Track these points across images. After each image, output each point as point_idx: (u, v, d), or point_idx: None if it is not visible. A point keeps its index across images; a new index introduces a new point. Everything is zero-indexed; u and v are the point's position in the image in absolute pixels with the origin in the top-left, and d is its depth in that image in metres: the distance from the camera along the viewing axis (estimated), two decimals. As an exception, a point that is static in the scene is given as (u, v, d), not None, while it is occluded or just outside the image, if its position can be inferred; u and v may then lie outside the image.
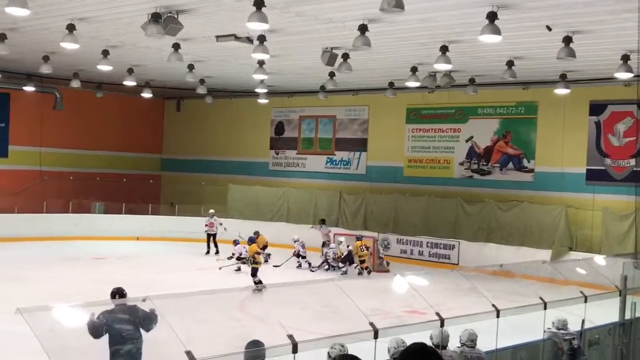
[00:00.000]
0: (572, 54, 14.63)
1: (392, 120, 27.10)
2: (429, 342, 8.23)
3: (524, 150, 23.97)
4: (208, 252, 25.09)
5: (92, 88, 28.45)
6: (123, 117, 32.66)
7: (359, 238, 22.50)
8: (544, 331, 10.19)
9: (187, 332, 6.35)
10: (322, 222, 25.48)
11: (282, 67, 21.85)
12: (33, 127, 30.07)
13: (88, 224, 27.76)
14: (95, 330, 8.09)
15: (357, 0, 13.25)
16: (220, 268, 21.41)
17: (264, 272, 19.78)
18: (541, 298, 9.92)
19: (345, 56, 17.63)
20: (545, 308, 9.88)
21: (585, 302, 10.56)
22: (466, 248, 23.79)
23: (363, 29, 14.25)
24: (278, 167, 30.97)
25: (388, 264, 23.26)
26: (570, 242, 22.15)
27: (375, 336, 7.66)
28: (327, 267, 22.51)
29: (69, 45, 16.58)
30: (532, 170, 23.74)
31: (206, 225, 25.57)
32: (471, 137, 25.17)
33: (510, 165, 24.22)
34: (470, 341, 8.81)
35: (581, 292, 10.75)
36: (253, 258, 19.36)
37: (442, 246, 24.45)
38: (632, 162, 21.51)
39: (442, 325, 8.41)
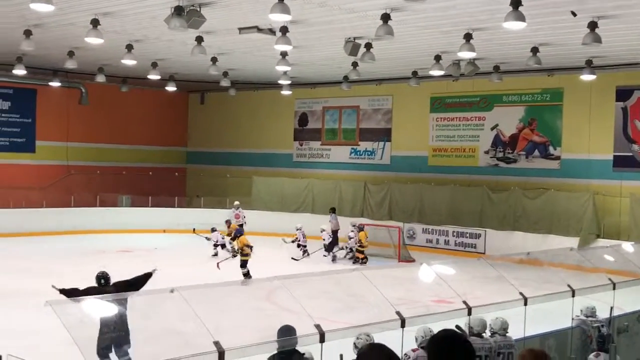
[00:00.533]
0: (597, 39, 14.45)
1: (416, 109, 27.00)
2: (465, 329, 8.20)
3: (550, 138, 23.76)
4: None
5: (117, 82, 28.63)
6: (148, 111, 32.88)
7: (361, 228, 22.62)
8: (573, 319, 10.12)
9: (215, 322, 6.39)
10: (333, 211, 25.56)
11: (305, 58, 21.84)
12: (59, 122, 30.39)
13: (115, 217, 28.02)
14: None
15: (379, -11, 13.22)
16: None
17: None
18: (569, 285, 9.85)
19: (368, 46, 17.57)
20: (573, 295, 9.80)
21: (614, 289, 10.45)
22: (492, 237, 23.69)
23: (386, 17, 14.16)
24: (302, 158, 31.00)
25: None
26: (597, 229, 21.97)
27: (402, 325, 7.66)
28: (350, 256, 22.79)
29: (93, 40, 16.68)
30: (558, 158, 23.54)
31: (232, 217, 25.71)
32: (496, 125, 25.00)
33: (536, 152, 24.03)
34: (503, 329, 8.76)
35: (609, 279, 10.65)
36: (242, 250, 19.32)
37: (468, 235, 24.37)
38: (660, 147, 21.29)
39: (469, 313, 8.38)
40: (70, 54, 21.14)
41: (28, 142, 29.89)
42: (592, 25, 14.34)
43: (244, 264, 19.07)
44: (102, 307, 7.33)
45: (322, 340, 6.92)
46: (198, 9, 14.31)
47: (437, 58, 19.65)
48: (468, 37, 16.05)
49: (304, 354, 7.16)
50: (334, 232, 23.70)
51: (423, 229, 25.50)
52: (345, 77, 24.51)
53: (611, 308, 10.49)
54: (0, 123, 29.08)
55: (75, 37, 18.54)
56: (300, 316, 7.15)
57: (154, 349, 6.55)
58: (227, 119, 33.16)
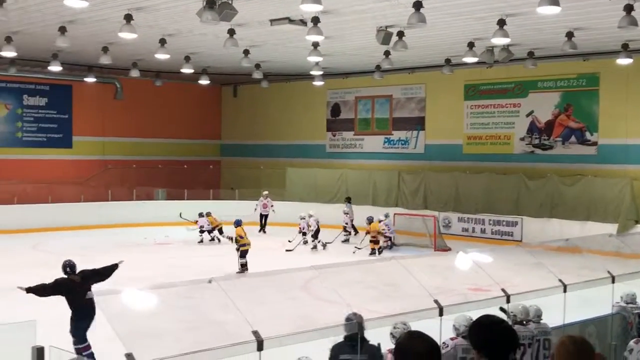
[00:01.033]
0: (633, 22, 14.19)
1: (450, 97, 26.81)
2: (509, 312, 8.14)
3: (586, 123, 23.44)
4: (261, 231, 26.31)
5: (151, 77, 28.91)
6: (182, 105, 33.13)
7: (370, 220, 22.30)
8: (613, 305, 10.00)
9: (253, 312, 6.44)
10: (348, 200, 26.11)
11: (337, 49, 21.80)
12: (95, 118, 30.79)
13: (152, 210, 28.34)
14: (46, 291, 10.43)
15: (411, -23, 13.13)
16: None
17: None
18: (609, 272, 9.74)
19: (400, 34, 17.48)
20: (613, 282, 9.69)
21: (655, 274, 10.33)
22: (529, 224, 23.46)
23: (418, 5, 14.05)
24: (335, 148, 30.98)
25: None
26: (636, 215, 21.64)
27: (441, 313, 7.65)
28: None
29: (127, 35, 16.84)
30: (595, 143, 23.22)
31: (259, 206, 26.92)
32: (532, 112, 24.72)
33: (573, 138, 23.73)
34: (537, 316, 8.69)
35: (650, 265, 10.52)
36: (237, 240, 18.95)
37: (504, 223, 24.17)
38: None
39: (507, 301, 8.33)
40: (105, 49, 21.38)
41: (65, 137, 30.32)
42: (628, 8, 14.07)
43: (243, 254, 18.74)
44: (142, 299, 7.39)
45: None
46: (230, 2, 14.35)
47: (471, 45, 19.47)
48: (502, 22, 15.88)
49: (369, 341, 7.12)
50: (351, 222, 24.97)
51: (459, 217, 25.36)
52: (378, 67, 24.39)
53: (652, 294, 10.36)
54: (37, 119, 29.56)
55: (109, 32, 18.73)
56: (337, 305, 7.16)
57: (194, 338, 6.60)
58: (260, 111, 33.27)
